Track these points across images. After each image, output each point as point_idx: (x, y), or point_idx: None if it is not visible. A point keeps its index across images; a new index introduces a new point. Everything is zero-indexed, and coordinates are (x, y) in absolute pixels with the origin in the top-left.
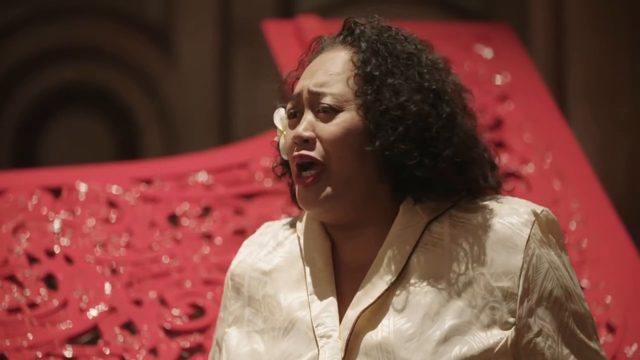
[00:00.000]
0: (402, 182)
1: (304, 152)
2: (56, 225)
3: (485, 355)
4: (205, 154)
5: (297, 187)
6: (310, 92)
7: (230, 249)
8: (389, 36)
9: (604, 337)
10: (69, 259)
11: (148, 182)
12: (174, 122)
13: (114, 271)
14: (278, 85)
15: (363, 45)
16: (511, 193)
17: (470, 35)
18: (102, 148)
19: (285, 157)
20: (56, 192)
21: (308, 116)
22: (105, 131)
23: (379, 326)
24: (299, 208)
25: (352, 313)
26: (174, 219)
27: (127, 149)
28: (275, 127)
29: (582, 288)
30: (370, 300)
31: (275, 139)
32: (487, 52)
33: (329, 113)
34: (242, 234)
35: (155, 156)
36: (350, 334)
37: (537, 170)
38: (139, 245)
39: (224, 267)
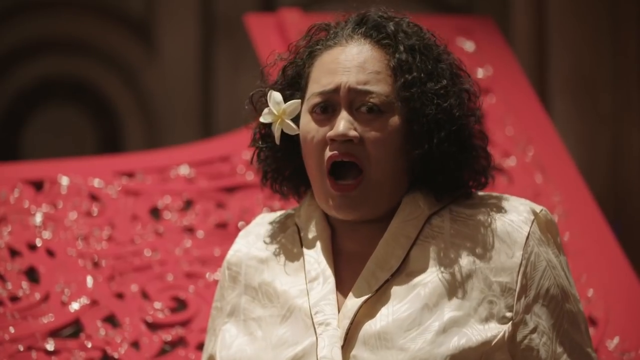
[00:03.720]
0: (429, 181)
1: (348, 152)
2: (38, 218)
3: (482, 348)
4: (187, 147)
5: (330, 191)
6: (352, 90)
7: (212, 242)
8: (421, 36)
9: None
10: (50, 252)
11: (130, 175)
12: (155, 116)
13: (95, 264)
14: (263, 68)
15: (401, 46)
16: (492, 186)
17: (452, 29)
18: (84, 141)
19: (277, 143)
20: (38, 185)
21: (346, 114)
22: (87, 124)
23: (378, 316)
24: (284, 196)
25: (352, 302)
26: (155, 213)
27: (109, 142)
28: (256, 113)
29: None
30: (371, 291)
31: (263, 119)
32: (469, 46)
33: (373, 113)
34: (223, 227)
35: (137, 149)
36: (351, 323)
37: (518, 164)
38: (121, 239)
39: (205, 261)
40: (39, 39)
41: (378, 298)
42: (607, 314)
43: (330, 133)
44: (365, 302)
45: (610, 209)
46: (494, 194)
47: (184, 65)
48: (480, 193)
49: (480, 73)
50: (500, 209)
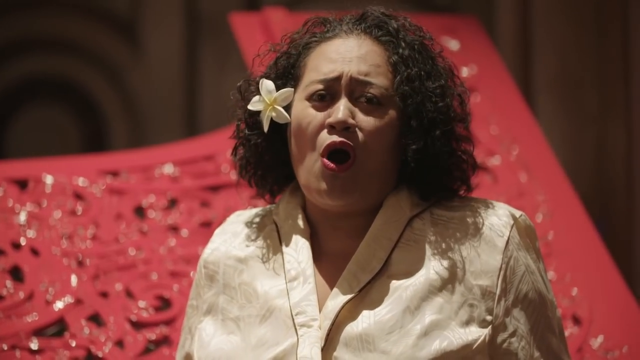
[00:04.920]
0: (416, 180)
1: (345, 140)
2: (22, 217)
3: (463, 352)
4: (171, 146)
5: (322, 173)
6: (354, 80)
7: (196, 241)
8: (422, 36)
9: (570, 329)
10: (35, 251)
11: (114, 174)
12: (140, 114)
13: (80, 263)
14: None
15: (402, 43)
16: (477, 185)
17: (437, 28)
18: (69, 140)
19: (265, 130)
20: (22, 184)
21: (345, 102)
22: (72, 123)
23: (360, 317)
24: (260, 191)
25: (333, 304)
26: (140, 211)
27: (94, 141)
28: (244, 103)
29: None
30: (353, 293)
31: (252, 107)
32: (454, 44)
33: (372, 104)
34: (208, 226)
35: (122, 148)
36: (332, 324)
37: (503, 163)
38: (105, 238)
39: (190, 259)
40: (25, 37)
41: (360, 300)
42: (591, 313)
43: (330, 120)
44: (346, 303)
45: (595, 209)
46: (474, 197)
47: (169, 65)
48: (461, 196)
49: (465, 72)
50: (480, 213)
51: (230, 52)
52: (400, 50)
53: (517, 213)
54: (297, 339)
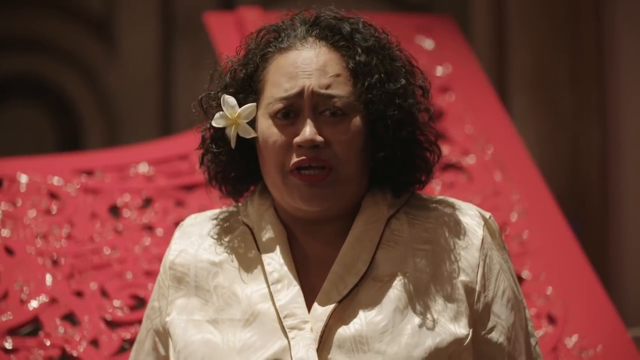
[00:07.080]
0: (388, 180)
1: (316, 157)
2: None
3: (453, 347)
4: (146, 145)
5: (296, 186)
6: (316, 94)
7: (171, 240)
8: (377, 36)
9: (545, 328)
10: (9, 250)
11: (89, 173)
12: (115, 114)
13: (55, 262)
14: (213, 71)
15: (358, 48)
16: (452, 185)
17: (411, 27)
18: (44, 139)
19: (233, 147)
20: None
21: (310, 120)
22: (47, 123)
23: (350, 320)
24: (235, 198)
25: (322, 306)
26: (115, 210)
27: (69, 140)
28: (206, 117)
29: (523, 279)
30: (342, 295)
31: (215, 124)
32: (428, 44)
33: (336, 116)
34: None
35: (97, 147)
36: (325, 326)
37: (478, 162)
38: (80, 237)
39: None
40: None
41: (348, 302)
42: (565, 312)
43: (297, 139)
44: (337, 305)
45: (570, 208)
46: (443, 197)
47: (144, 64)
48: (429, 196)
49: (439, 71)
50: (453, 213)
51: (205, 51)
52: (357, 57)
53: (487, 214)
54: (288, 341)
